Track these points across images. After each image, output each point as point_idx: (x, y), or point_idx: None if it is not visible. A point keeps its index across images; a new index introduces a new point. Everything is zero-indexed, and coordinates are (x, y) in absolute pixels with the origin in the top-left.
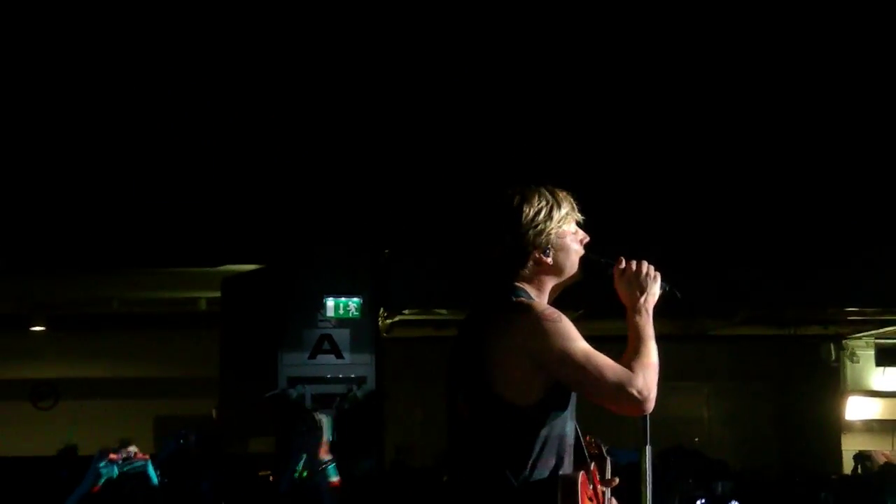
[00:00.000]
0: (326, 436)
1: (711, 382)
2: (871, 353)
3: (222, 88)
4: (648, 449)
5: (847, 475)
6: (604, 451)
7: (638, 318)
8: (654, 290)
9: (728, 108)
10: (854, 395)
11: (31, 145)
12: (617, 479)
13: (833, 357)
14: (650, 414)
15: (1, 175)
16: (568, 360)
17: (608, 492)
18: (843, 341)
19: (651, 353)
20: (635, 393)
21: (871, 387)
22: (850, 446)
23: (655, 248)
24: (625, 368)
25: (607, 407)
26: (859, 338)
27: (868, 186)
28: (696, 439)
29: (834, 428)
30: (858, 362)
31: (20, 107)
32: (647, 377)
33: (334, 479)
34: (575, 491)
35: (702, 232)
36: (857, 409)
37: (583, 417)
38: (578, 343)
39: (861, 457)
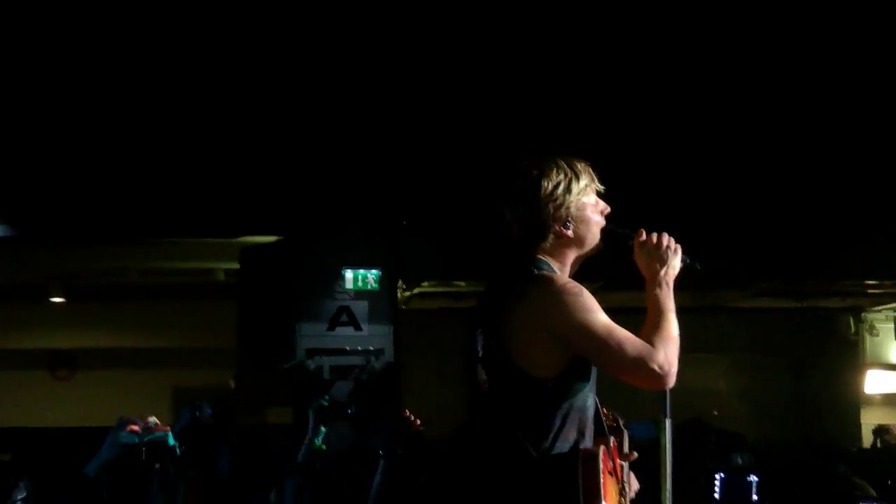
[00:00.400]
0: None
1: (729, 355)
2: (891, 326)
3: (241, 62)
4: (668, 422)
5: (866, 448)
6: (621, 423)
7: (658, 290)
8: (675, 263)
9: (750, 81)
10: (873, 368)
11: (50, 117)
12: (635, 454)
13: (852, 330)
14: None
15: (19, 146)
16: (589, 333)
17: (626, 465)
18: (862, 314)
19: (672, 327)
20: (656, 368)
21: (891, 360)
22: (869, 420)
23: (673, 220)
24: (645, 343)
25: (628, 381)
26: (879, 311)
27: (888, 159)
28: (715, 412)
29: (853, 401)
30: (878, 335)
31: (39, 78)
32: (668, 351)
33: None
34: (596, 465)
35: (720, 203)
36: (876, 382)
37: (599, 390)
38: (599, 316)
39: (880, 430)
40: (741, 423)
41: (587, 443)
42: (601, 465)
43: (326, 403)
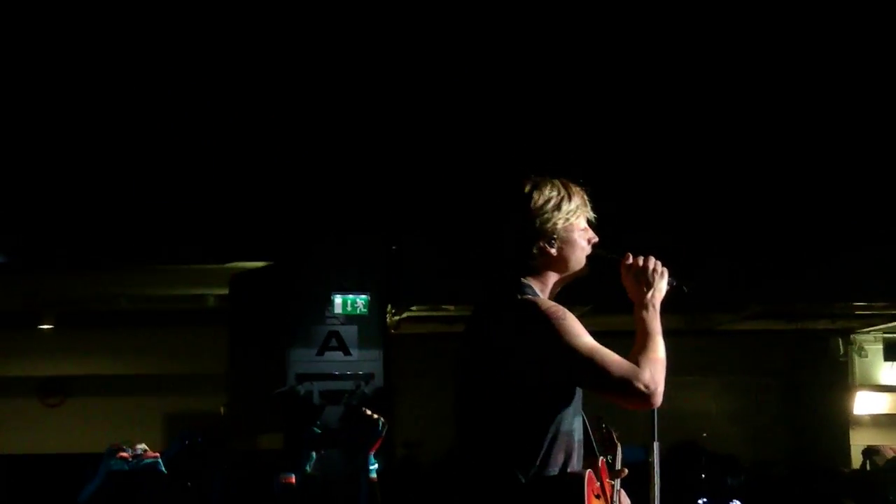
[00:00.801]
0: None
1: (719, 377)
2: (880, 347)
3: (225, 86)
4: (656, 445)
5: (857, 469)
6: (614, 437)
7: (645, 313)
8: (661, 286)
9: (736, 102)
10: (862, 389)
11: (38, 143)
12: (626, 471)
13: (841, 352)
14: (658, 410)
15: (8, 173)
16: (573, 355)
17: (618, 483)
18: (852, 336)
19: (658, 349)
20: (642, 387)
21: (880, 381)
22: (859, 441)
23: (662, 242)
24: (631, 363)
25: (614, 401)
26: (867, 332)
27: (876, 181)
28: (704, 434)
29: (842, 422)
30: (867, 357)
31: (26, 104)
32: (654, 372)
33: (373, 475)
34: (581, 489)
35: (710, 226)
36: (865, 403)
37: (591, 412)
38: (583, 338)
39: (869, 451)
40: (733, 444)
41: (575, 466)
42: (586, 490)
43: (319, 431)
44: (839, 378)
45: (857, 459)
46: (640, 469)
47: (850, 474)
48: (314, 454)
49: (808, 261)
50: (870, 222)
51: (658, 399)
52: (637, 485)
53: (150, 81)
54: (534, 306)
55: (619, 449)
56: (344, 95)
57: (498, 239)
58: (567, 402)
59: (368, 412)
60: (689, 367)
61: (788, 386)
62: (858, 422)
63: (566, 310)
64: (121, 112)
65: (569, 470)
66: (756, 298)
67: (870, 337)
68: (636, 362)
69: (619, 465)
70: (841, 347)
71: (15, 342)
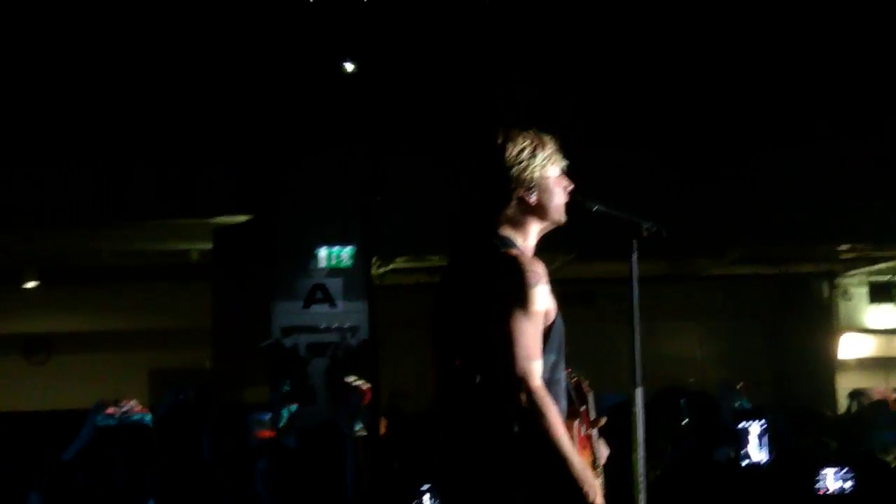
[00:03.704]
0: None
1: (704, 322)
2: (865, 290)
3: (211, 42)
4: (639, 391)
5: (842, 413)
6: (584, 386)
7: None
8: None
9: (719, 40)
10: (848, 332)
11: (18, 100)
12: (604, 419)
13: (826, 295)
14: (642, 355)
15: None
16: (506, 319)
17: (595, 432)
18: (836, 279)
19: (561, 450)
20: (518, 381)
21: (865, 324)
22: (845, 384)
23: (647, 189)
24: (534, 366)
25: (500, 377)
26: (852, 276)
27: (861, 126)
28: (692, 379)
29: (828, 366)
30: (851, 300)
31: (12, 62)
32: (538, 398)
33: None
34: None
35: (692, 171)
36: (850, 347)
37: (574, 360)
38: (528, 316)
39: (855, 394)
40: (717, 389)
41: (563, 415)
42: (575, 439)
43: (288, 388)
44: (824, 322)
45: (843, 402)
46: (623, 411)
47: (834, 417)
48: (285, 412)
49: (791, 205)
50: (852, 167)
51: (515, 393)
52: (620, 428)
53: (133, 31)
54: (514, 263)
55: (591, 398)
56: (323, 45)
57: (475, 191)
58: (550, 351)
59: (353, 381)
60: (674, 312)
61: (773, 330)
62: (844, 365)
63: (542, 278)
64: (104, 64)
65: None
66: (739, 243)
67: (854, 280)
68: (547, 408)
69: (593, 415)
70: (826, 290)
71: None
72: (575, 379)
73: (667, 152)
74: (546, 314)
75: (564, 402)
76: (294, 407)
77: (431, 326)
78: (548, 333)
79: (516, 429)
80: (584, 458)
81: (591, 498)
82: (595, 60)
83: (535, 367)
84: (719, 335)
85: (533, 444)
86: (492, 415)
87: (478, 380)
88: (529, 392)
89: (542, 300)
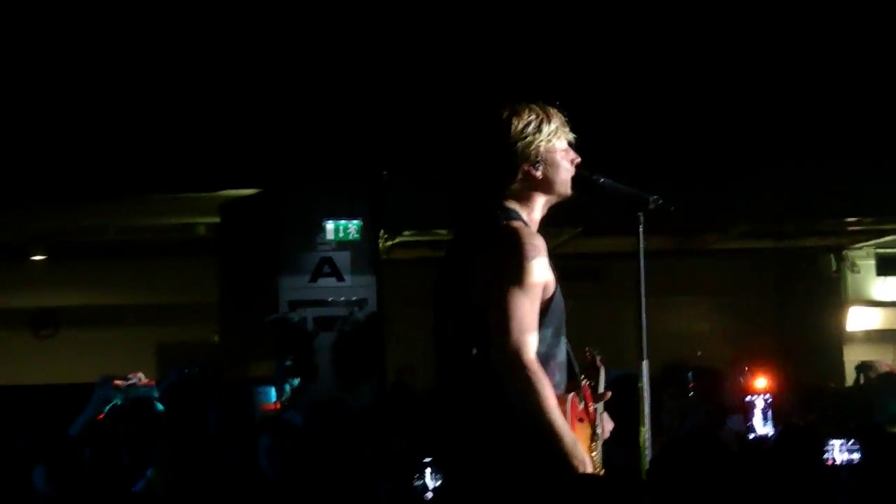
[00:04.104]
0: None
1: (710, 297)
2: (872, 263)
3: (215, 15)
4: (645, 364)
5: (849, 386)
6: (597, 360)
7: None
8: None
9: (722, 13)
10: (855, 305)
11: (26, 77)
12: (609, 393)
13: (833, 268)
14: (648, 330)
15: None
16: (502, 291)
17: (600, 406)
18: (843, 252)
19: (554, 429)
20: (511, 355)
21: (872, 297)
22: (853, 357)
23: (652, 162)
24: (527, 339)
25: (491, 351)
26: (859, 248)
27: (865, 96)
28: (699, 353)
29: (835, 339)
30: (859, 272)
31: (13, 35)
32: (530, 373)
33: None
34: (563, 413)
35: (697, 145)
36: (858, 319)
37: (579, 334)
38: (524, 289)
39: (863, 367)
40: (724, 364)
41: (559, 388)
42: (570, 413)
43: (289, 363)
44: (831, 295)
45: (850, 376)
46: (628, 385)
47: (841, 390)
48: (287, 386)
49: (796, 177)
50: (858, 137)
51: (507, 366)
52: (626, 402)
53: (139, 11)
54: (515, 235)
55: (602, 371)
56: (332, 24)
57: (481, 165)
58: (548, 325)
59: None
60: (680, 287)
61: (780, 304)
62: (852, 338)
63: (541, 251)
64: (109, 41)
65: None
66: (744, 217)
67: (862, 252)
68: (540, 382)
69: (601, 389)
70: (833, 264)
71: (6, 274)
72: (589, 353)
73: (673, 126)
74: (545, 288)
75: (563, 377)
76: (296, 381)
77: (433, 300)
78: (546, 308)
79: (509, 402)
80: (580, 432)
81: (580, 472)
82: (602, 37)
83: (528, 340)
84: (726, 310)
85: (525, 417)
86: (487, 388)
87: (474, 352)
88: (522, 365)
89: (540, 273)
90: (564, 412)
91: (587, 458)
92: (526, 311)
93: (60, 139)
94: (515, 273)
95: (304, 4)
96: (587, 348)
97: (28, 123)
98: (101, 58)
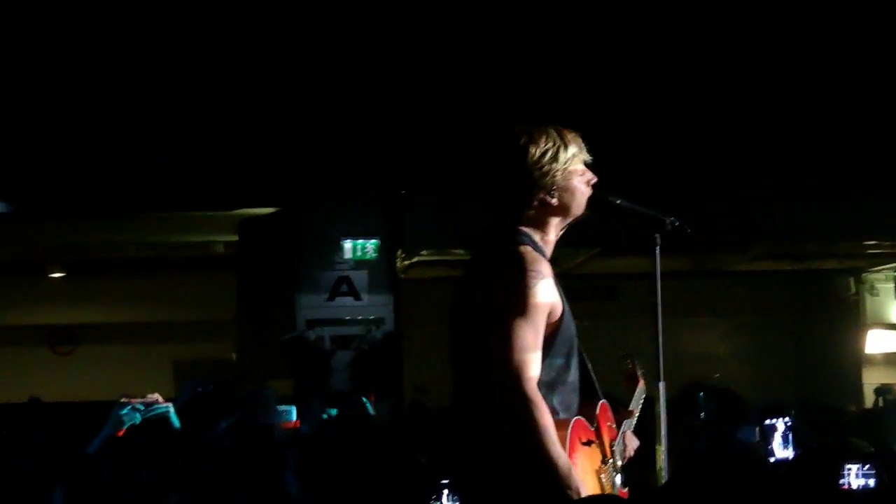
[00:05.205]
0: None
1: (728, 318)
2: (891, 286)
3: (230, 32)
4: (662, 385)
5: (867, 409)
6: (638, 373)
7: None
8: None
9: (738, 31)
10: (874, 328)
11: (44, 91)
12: (635, 412)
13: (852, 291)
14: (665, 351)
15: (15, 122)
16: (502, 316)
17: (626, 424)
18: (862, 275)
19: (548, 452)
20: (505, 381)
21: (891, 320)
22: (872, 380)
23: (671, 183)
24: (526, 364)
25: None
26: (878, 271)
27: (885, 118)
28: (717, 375)
29: (854, 362)
30: (878, 295)
31: (30, 50)
32: (529, 402)
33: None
34: (563, 440)
35: (716, 166)
36: (877, 342)
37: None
38: (525, 313)
39: (882, 390)
40: (742, 385)
41: (567, 413)
42: (569, 439)
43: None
44: (849, 317)
45: (869, 399)
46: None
47: (859, 413)
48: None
49: (815, 200)
50: (879, 159)
51: (504, 390)
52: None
53: (155, 27)
54: (517, 260)
55: (641, 386)
56: (349, 41)
57: (497, 192)
58: (558, 354)
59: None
60: (697, 308)
61: (798, 326)
62: (871, 361)
63: (543, 278)
64: (127, 57)
65: (558, 418)
66: (762, 239)
67: (881, 276)
68: (538, 410)
69: (633, 406)
70: (852, 286)
71: (24, 291)
72: (630, 364)
73: (691, 147)
74: (551, 311)
75: (575, 398)
76: (334, 411)
77: (450, 320)
78: (554, 333)
79: (506, 425)
80: (584, 456)
81: (572, 499)
82: (620, 57)
83: (527, 362)
84: (743, 331)
85: (520, 442)
86: (490, 411)
87: (478, 375)
88: (518, 390)
89: (545, 295)
90: (564, 438)
91: (581, 486)
92: (526, 335)
93: (79, 156)
94: (516, 297)
95: (322, 24)
96: (628, 359)
97: (48, 141)
98: (121, 76)
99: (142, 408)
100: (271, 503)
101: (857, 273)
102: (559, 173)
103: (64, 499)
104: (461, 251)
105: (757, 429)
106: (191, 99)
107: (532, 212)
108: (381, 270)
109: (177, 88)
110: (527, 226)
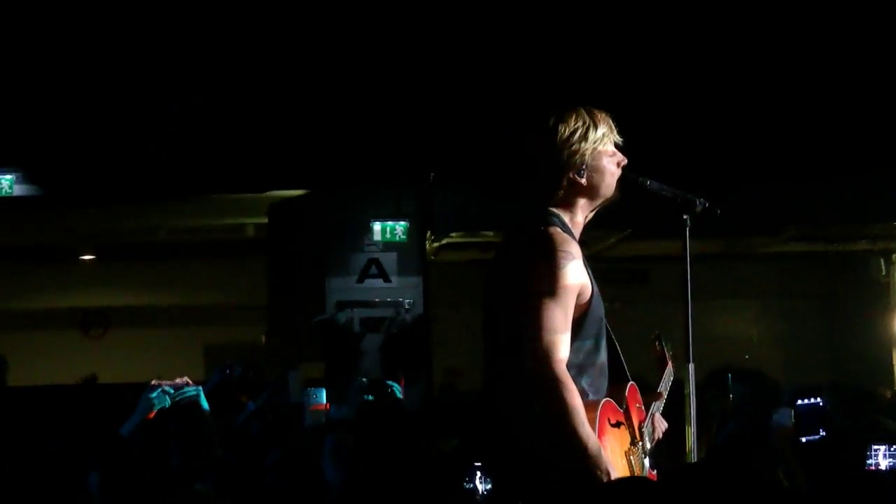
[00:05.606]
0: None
1: (759, 301)
2: None
3: (260, 14)
4: (691, 367)
5: None
6: (667, 356)
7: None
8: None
9: (767, 17)
10: None
11: (75, 76)
12: (663, 394)
13: (883, 272)
14: (696, 334)
15: (46, 107)
16: (532, 297)
17: (655, 406)
18: (893, 256)
19: (577, 434)
20: (540, 358)
21: None
22: None
23: (702, 165)
24: (557, 344)
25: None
26: None
27: None
28: (747, 356)
29: (885, 344)
30: None
31: (61, 36)
32: (558, 381)
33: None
34: (593, 421)
35: (747, 149)
36: None
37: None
38: (554, 295)
39: None
40: (773, 368)
41: (596, 395)
42: (599, 420)
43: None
44: (881, 299)
45: None
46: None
47: (892, 395)
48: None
49: (846, 181)
50: None
51: (534, 372)
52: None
53: (186, 13)
54: (547, 241)
55: (669, 369)
56: (380, 24)
57: (527, 173)
58: (587, 336)
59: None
60: (729, 291)
61: (830, 308)
62: None
63: (575, 257)
64: (157, 42)
65: (587, 399)
66: (794, 221)
67: None
68: (568, 390)
69: (661, 388)
70: (882, 268)
71: (56, 275)
72: (660, 346)
73: (722, 129)
74: (581, 293)
75: (603, 381)
76: (370, 397)
77: (483, 303)
78: (584, 315)
79: (538, 411)
80: (614, 438)
81: (602, 481)
82: (650, 40)
83: (557, 344)
84: (774, 314)
85: (550, 424)
86: (522, 393)
87: (512, 358)
88: (548, 372)
89: (574, 276)
90: (594, 419)
91: (612, 467)
92: (555, 316)
93: (110, 141)
94: (546, 279)
95: (356, 10)
96: (658, 342)
97: (79, 126)
98: (149, 61)
99: (171, 391)
100: (305, 486)
101: (889, 255)
102: (588, 152)
103: (100, 482)
104: (490, 233)
105: (792, 412)
106: (221, 83)
107: (561, 192)
108: (410, 253)
109: (207, 72)
110: (556, 207)
